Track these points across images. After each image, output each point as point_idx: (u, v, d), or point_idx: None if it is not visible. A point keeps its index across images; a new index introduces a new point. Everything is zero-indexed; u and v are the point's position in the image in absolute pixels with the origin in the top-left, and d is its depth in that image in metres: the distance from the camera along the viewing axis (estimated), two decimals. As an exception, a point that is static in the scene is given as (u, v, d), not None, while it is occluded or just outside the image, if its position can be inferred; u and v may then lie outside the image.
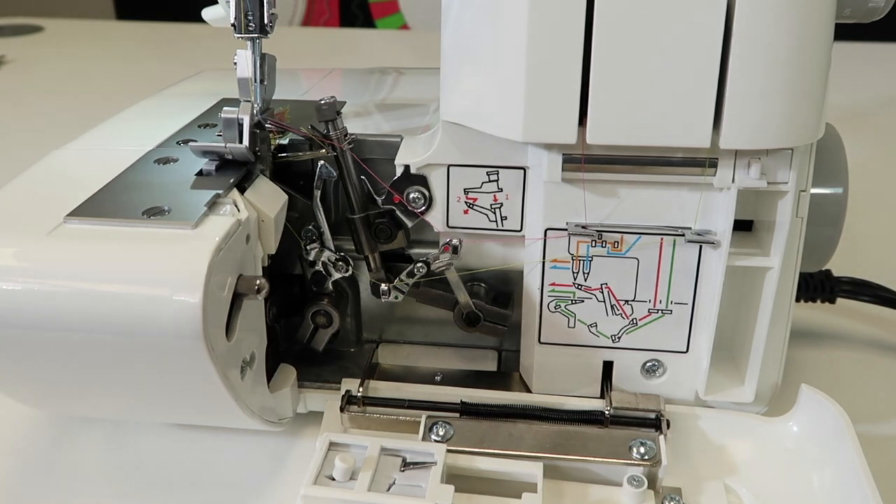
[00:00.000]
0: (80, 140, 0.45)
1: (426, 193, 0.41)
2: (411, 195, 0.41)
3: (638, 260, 0.40)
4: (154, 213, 0.36)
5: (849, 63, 1.15)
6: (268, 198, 0.39)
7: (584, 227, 0.39)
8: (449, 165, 0.40)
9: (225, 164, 0.40)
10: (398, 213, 0.42)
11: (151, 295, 0.32)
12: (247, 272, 0.37)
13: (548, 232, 0.40)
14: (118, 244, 0.34)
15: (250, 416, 0.38)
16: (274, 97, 0.43)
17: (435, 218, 0.42)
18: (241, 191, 0.38)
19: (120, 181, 0.39)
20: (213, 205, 0.36)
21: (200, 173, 0.39)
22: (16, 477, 0.42)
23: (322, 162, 0.41)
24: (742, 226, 0.41)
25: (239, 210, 0.36)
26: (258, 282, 0.36)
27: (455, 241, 0.41)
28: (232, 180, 0.38)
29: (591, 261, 0.40)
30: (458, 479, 0.37)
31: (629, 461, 0.39)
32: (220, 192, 0.37)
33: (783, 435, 0.40)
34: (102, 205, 0.37)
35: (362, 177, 0.42)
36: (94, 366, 0.35)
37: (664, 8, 0.33)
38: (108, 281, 0.33)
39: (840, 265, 0.50)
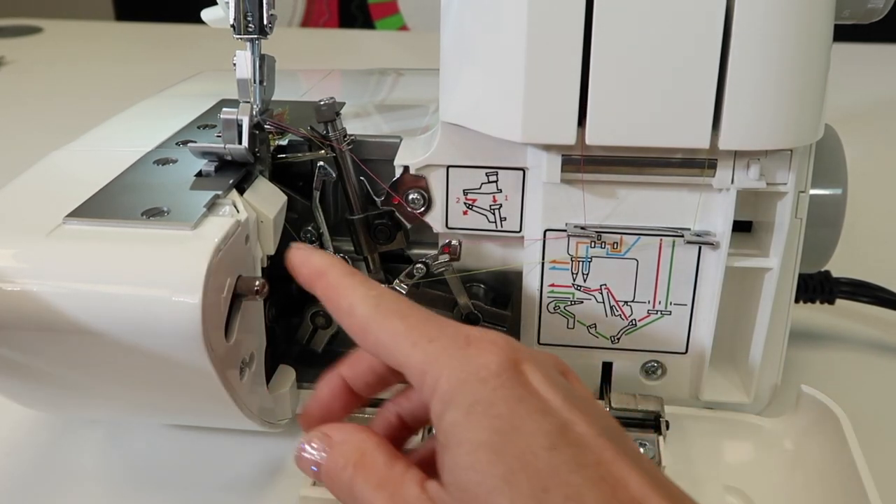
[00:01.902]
0: (80, 141, 0.45)
1: (425, 194, 0.41)
2: (410, 196, 0.41)
3: (637, 261, 0.40)
4: (153, 213, 0.36)
5: (849, 64, 1.15)
6: (267, 199, 0.39)
7: (583, 228, 0.39)
8: (448, 166, 0.40)
9: (224, 164, 0.40)
10: (397, 214, 0.42)
11: (150, 296, 0.32)
12: (246, 273, 0.37)
13: (547, 233, 0.40)
14: (117, 245, 0.34)
15: (249, 417, 0.38)
16: (273, 98, 0.43)
17: (434, 219, 0.42)
18: (241, 192, 0.38)
19: (119, 182, 0.39)
20: (212, 206, 0.36)
21: (200, 174, 0.39)
22: (16, 477, 0.42)
23: (321, 163, 0.41)
24: (741, 226, 0.41)
25: (238, 211, 0.36)
26: (257, 283, 0.36)
27: (454, 242, 0.41)
28: (231, 181, 0.38)
29: (590, 262, 0.40)
30: (458, 480, 0.37)
31: (628, 462, 0.39)
32: (220, 192, 0.37)
33: (783, 435, 0.40)
34: (102, 205, 0.37)
35: (361, 178, 0.42)
36: (93, 367, 0.35)
37: (663, 8, 0.33)
38: (108, 282, 0.33)
39: (839, 266, 0.50)
